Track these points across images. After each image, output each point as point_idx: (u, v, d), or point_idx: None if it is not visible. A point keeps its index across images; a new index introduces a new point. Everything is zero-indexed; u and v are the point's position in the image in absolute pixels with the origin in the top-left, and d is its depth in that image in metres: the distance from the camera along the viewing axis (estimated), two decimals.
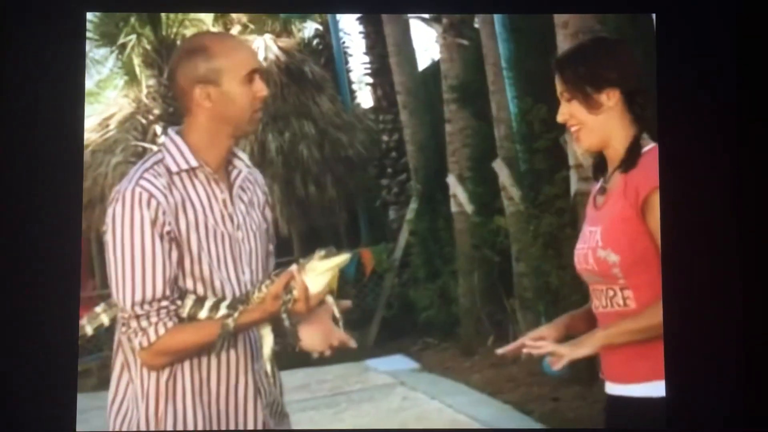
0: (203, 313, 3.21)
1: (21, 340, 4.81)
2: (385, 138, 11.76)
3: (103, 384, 9.85)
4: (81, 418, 7.59)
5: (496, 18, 8.38)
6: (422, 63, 11.47)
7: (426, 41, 11.25)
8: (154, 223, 3.11)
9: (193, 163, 3.24)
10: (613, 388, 3.29)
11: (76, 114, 4.96)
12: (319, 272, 3.19)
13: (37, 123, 4.92)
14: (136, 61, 11.52)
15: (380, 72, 11.76)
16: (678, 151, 4.90)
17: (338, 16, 11.53)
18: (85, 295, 11.84)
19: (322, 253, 3.20)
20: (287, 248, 10.24)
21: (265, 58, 11.37)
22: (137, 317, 3.13)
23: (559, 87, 3.24)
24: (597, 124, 3.16)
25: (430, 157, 10.48)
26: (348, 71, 12.48)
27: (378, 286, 10.57)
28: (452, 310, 9.12)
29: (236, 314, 3.18)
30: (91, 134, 11.76)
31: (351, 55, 12.57)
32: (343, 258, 3.20)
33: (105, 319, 3.35)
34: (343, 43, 12.36)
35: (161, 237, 3.12)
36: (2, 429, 4.75)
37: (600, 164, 3.29)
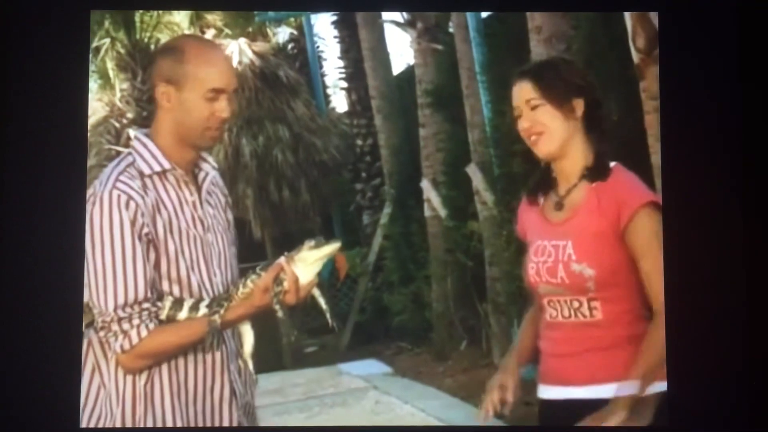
0: (183, 314, 3.23)
1: (24, 336, 4.80)
2: (359, 142, 11.76)
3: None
4: None
5: (470, 23, 8.41)
6: (397, 68, 11.49)
7: (401, 46, 11.27)
8: (133, 224, 3.12)
9: (166, 165, 3.28)
10: (577, 392, 3.35)
11: (80, 112, 4.96)
12: (309, 262, 3.22)
13: (41, 121, 4.92)
14: (110, 64, 11.49)
15: (355, 76, 11.76)
16: (681, 152, 4.93)
17: (313, 20, 11.53)
18: None
19: (312, 243, 3.25)
20: (261, 252, 10.23)
21: (240, 62, 11.35)
22: (119, 320, 3.14)
23: (526, 95, 3.36)
24: (561, 132, 3.30)
25: (404, 162, 10.49)
26: (323, 75, 12.47)
27: (351, 291, 10.57)
28: (425, 314, 9.12)
29: (222, 311, 3.20)
30: None
31: (326, 60, 12.57)
32: (333, 247, 3.25)
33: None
34: (318, 47, 12.35)
35: (140, 238, 3.14)
36: (6, 426, 4.74)
37: (546, 179, 3.42)
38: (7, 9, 4.97)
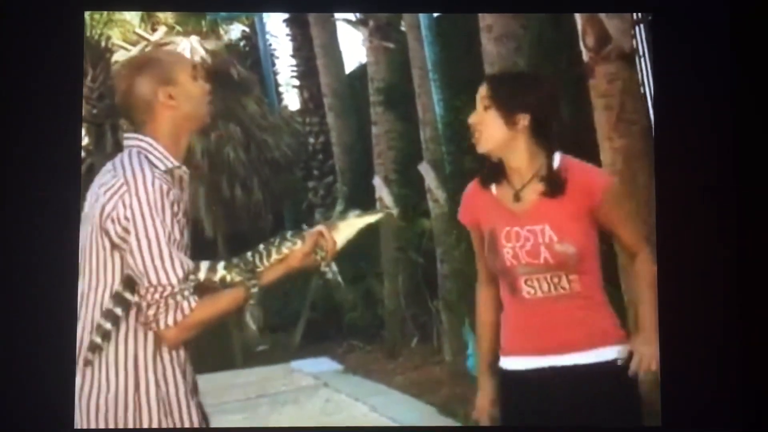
0: (201, 275, 3.47)
1: (19, 337, 4.79)
2: (311, 140, 11.76)
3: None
4: None
5: (422, 21, 8.44)
6: (349, 65, 11.49)
7: (353, 44, 11.27)
8: (172, 209, 3.39)
9: (175, 162, 3.56)
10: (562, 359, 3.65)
11: (74, 113, 4.95)
12: (355, 228, 3.61)
13: (34, 122, 4.90)
14: None
15: (307, 74, 11.76)
16: (674, 152, 4.97)
17: (265, 18, 11.52)
18: None
19: (357, 212, 3.66)
20: (212, 250, 10.20)
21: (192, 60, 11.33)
22: (175, 294, 3.34)
23: (482, 95, 3.74)
24: (498, 136, 3.68)
25: (356, 160, 10.50)
26: (275, 73, 12.45)
27: (303, 289, 10.57)
28: (377, 312, 9.14)
29: (255, 277, 3.49)
30: None
31: (278, 58, 12.54)
32: (377, 216, 3.73)
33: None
34: (270, 45, 12.32)
35: (179, 222, 3.42)
36: (1, 427, 4.72)
37: (499, 171, 3.78)
38: (0, 10, 4.96)
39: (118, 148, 11.46)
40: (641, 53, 5.53)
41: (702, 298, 4.92)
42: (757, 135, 5.01)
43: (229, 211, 11.02)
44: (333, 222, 3.61)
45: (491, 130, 3.70)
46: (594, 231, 3.73)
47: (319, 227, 3.58)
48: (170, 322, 3.36)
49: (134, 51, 11.74)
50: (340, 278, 3.71)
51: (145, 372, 3.44)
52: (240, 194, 11.08)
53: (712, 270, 4.94)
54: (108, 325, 3.38)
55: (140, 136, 3.54)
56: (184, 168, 3.60)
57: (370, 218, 3.68)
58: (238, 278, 3.49)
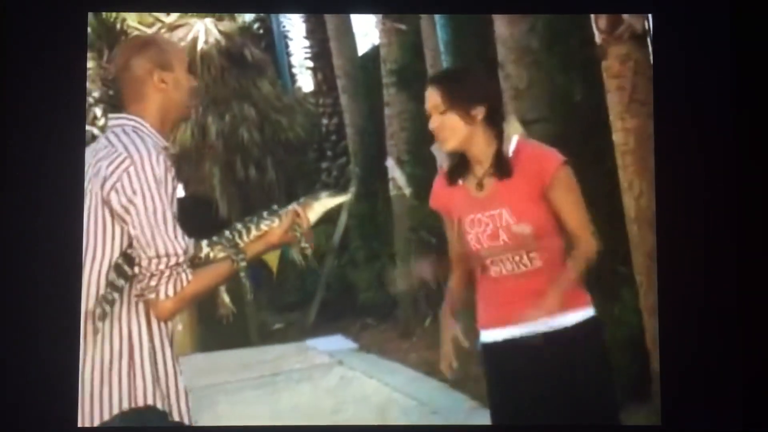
0: (190, 251, 3.48)
1: (22, 335, 4.83)
2: (324, 121, 11.82)
3: None
4: None
5: None
6: (362, 47, 11.54)
7: (366, 26, 11.31)
8: (173, 186, 3.43)
9: (166, 143, 3.57)
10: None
11: (78, 113, 5.00)
12: (326, 207, 3.75)
13: (38, 122, 4.94)
14: None
15: (320, 56, 11.82)
16: (674, 151, 5.01)
17: None
18: None
19: (328, 192, 3.77)
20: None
21: (206, 42, 11.38)
22: (177, 265, 3.39)
23: (434, 102, 3.88)
24: (461, 133, 3.83)
25: (369, 141, 10.55)
26: (288, 55, 12.51)
27: (318, 268, 10.65)
28: (390, 292, 9.19)
29: (240, 252, 3.58)
30: None
31: (291, 39, 12.61)
32: (346, 197, 3.86)
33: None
34: (284, 27, 12.39)
35: (175, 200, 3.44)
36: (4, 426, 4.78)
37: (463, 164, 3.91)
38: (4, 10, 5.00)
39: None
40: (653, 34, 5.56)
41: (701, 298, 4.97)
42: (756, 135, 5.06)
43: (243, 192, 11.09)
44: (306, 201, 3.74)
45: (452, 130, 3.84)
46: (547, 208, 3.85)
47: (294, 206, 3.69)
48: (170, 292, 3.41)
49: (149, 33, 11.80)
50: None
51: (140, 342, 3.51)
52: (254, 174, 11.15)
53: (712, 269, 4.98)
54: (113, 295, 3.46)
55: (130, 116, 3.54)
56: (171, 149, 3.65)
57: (341, 198, 3.83)
58: (221, 254, 3.60)
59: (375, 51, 10.52)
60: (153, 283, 3.40)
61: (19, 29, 4.98)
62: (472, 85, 3.90)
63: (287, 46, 12.49)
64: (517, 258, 3.83)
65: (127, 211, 3.36)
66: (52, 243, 4.84)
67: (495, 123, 3.88)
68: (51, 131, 4.94)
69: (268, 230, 3.68)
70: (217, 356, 8.19)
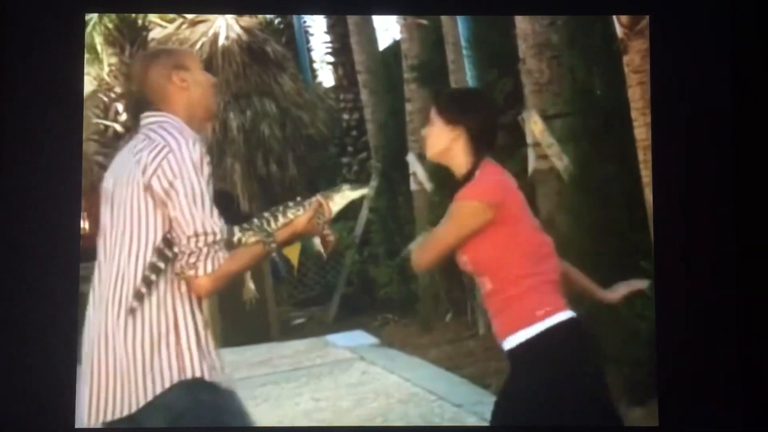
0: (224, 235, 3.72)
1: (20, 337, 4.84)
2: (345, 117, 11.82)
3: None
4: None
5: None
6: (383, 42, 11.54)
7: (386, 21, 11.31)
8: (208, 172, 3.64)
9: (197, 136, 3.76)
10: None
11: (75, 113, 5.01)
12: (348, 199, 4.02)
13: (36, 122, 4.95)
14: (98, 39, 11.51)
15: (341, 51, 11.82)
16: (671, 154, 5.01)
17: None
18: None
19: (349, 186, 4.06)
20: None
21: (227, 37, 11.40)
22: (215, 243, 3.61)
23: (431, 112, 4.05)
24: (441, 144, 3.97)
25: (390, 136, 10.54)
26: (309, 50, 12.53)
27: (339, 263, 10.66)
28: (411, 287, 9.17)
29: (271, 237, 3.80)
30: None
31: (312, 35, 12.63)
32: (366, 189, 3.97)
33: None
34: (305, 22, 12.41)
35: (210, 181, 3.66)
36: (2, 426, 4.79)
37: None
38: (2, 11, 5.01)
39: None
40: (651, 35, 5.54)
41: (699, 298, 4.96)
42: (756, 134, 5.05)
43: (264, 187, 11.11)
44: (328, 193, 3.98)
45: (434, 139, 3.99)
46: (480, 234, 3.86)
47: (318, 197, 3.93)
48: (209, 269, 3.58)
49: (170, 28, 11.83)
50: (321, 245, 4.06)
51: (184, 319, 3.62)
52: (275, 170, 11.18)
53: (710, 269, 4.98)
54: (153, 276, 3.58)
55: (162, 113, 3.73)
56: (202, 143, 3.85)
57: (362, 191, 4.14)
58: (252, 239, 3.80)
59: (396, 46, 10.52)
60: (192, 260, 3.58)
61: (17, 30, 4.99)
62: (460, 106, 4.02)
63: (308, 42, 12.52)
64: (479, 281, 3.91)
65: (167, 193, 3.56)
66: (52, 243, 4.86)
67: (474, 146, 3.94)
68: (49, 131, 4.96)
69: (293, 218, 3.88)
70: (238, 351, 8.16)
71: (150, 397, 3.55)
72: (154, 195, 3.57)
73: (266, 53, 11.62)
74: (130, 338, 3.57)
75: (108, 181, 3.70)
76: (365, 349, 8.98)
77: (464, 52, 8.35)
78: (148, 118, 3.72)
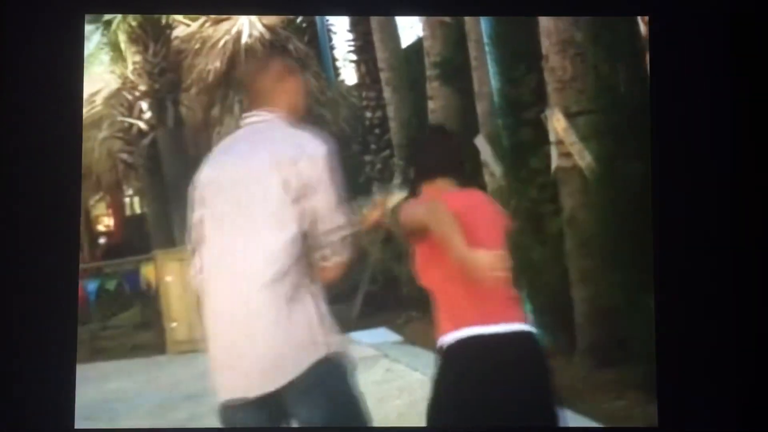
0: None
1: (19, 337, 4.87)
2: (368, 114, 11.84)
3: (92, 355, 9.84)
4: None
5: None
6: (405, 40, 11.55)
7: (409, 19, 11.31)
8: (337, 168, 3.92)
9: None
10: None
11: (74, 114, 5.04)
12: (399, 199, 4.25)
13: (36, 122, 4.98)
14: (122, 37, 11.57)
15: (364, 49, 11.82)
16: (671, 155, 5.02)
17: None
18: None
19: (398, 190, 4.66)
20: None
21: (250, 36, 11.44)
22: (344, 237, 3.85)
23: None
24: None
25: (413, 134, 10.54)
26: (332, 48, 12.56)
27: (363, 261, 10.67)
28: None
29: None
30: None
31: (335, 33, 12.66)
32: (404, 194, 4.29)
33: None
34: (327, 20, 12.43)
35: None
36: (2, 427, 4.82)
37: None
38: (2, 12, 5.03)
39: (180, 122, 11.60)
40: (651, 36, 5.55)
41: (699, 298, 4.96)
42: (755, 134, 5.05)
43: None
44: (384, 194, 4.32)
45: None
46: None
47: (378, 197, 4.31)
48: (341, 259, 3.84)
49: (194, 27, 11.89)
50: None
51: (315, 301, 3.83)
52: None
53: (710, 270, 4.98)
54: (289, 263, 3.76)
55: (269, 111, 3.95)
56: None
57: (403, 194, 4.28)
58: None
59: (418, 44, 10.52)
60: (327, 251, 3.82)
61: (17, 30, 5.02)
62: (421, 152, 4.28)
63: (331, 40, 12.55)
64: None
65: (306, 188, 3.78)
66: (51, 244, 4.89)
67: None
68: (48, 131, 4.99)
69: (365, 213, 4.25)
70: None
71: (295, 374, 3.70)
72: (292, 189, 3.76)
73: (289, 51, 11.65)
74: (271, 318, 3.71)
75: (221, 171, 3.88)
76: (389, 346, 8.98)
77: (487, 49, 8.32)
78: (257, 117, 3.94)
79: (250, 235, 3.76)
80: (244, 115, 4.00)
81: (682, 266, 4.93)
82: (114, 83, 11.90)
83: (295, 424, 3.77)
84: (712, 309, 4.92)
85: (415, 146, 4.57)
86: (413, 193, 4.15)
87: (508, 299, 3.91)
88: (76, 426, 4.84)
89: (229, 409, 3.76)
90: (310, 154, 3.80)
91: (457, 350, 3.94)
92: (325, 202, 3.80)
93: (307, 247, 3.79)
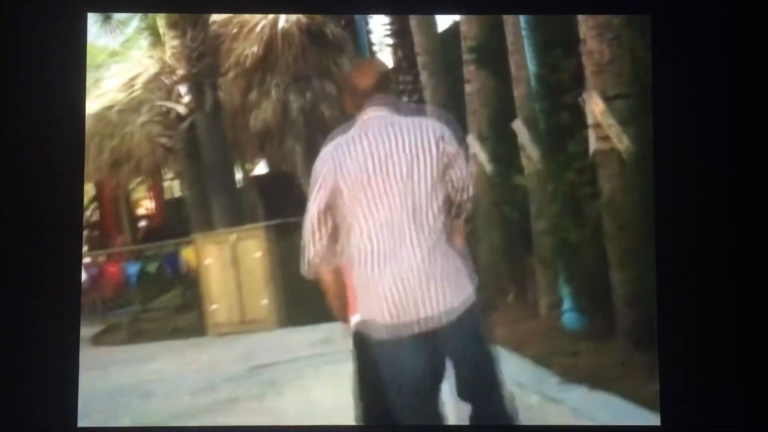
0: None
1: (21, 337, 4.92)
2: (405, 99, 11.82)
3: (133, 337, 9.91)
4: (111, 370, 7.70)
5: None
6: (442, 24, 11.53)
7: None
8: None
9: None
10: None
11: (77, 113, 5.08)
12: None
13: (40, 120, 5.02)
14: (160, 22, 11.61)
15: (400, 33, 11.81)
16: (673, 153, 5.03)
17: None
18: (115, 250, 12.06)
19: None
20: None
21: (287, 20, 11.45)
22: (470, 198, 4.67)
23: None
24: None
25: (449, 118, 10.54)
26: (368, 32, 12.54)
27: None
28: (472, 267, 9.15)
29: None
30: (117, 94, 11.91)
31: (371, 17, 12.64)
32: None
33: None
34: None
35: None
36: (5, 426, 4.88)
37: None
38: (4, 11, 5.07)
39: (218, 106, 11.63)
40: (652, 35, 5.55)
41: (701, 299, 4.98)
42: (755, 134, 5.05)
43: None
44: None
45: None
46: None
47: None
48: (465, 217, 4.67)
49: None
50: None
51: (458, 252, 4.52)
52: None
53: (711, 270, 4.99)
54: (443, 218, 4.43)
55: (385, 103, 4.60)
56: None
57: None
58: None
59: (455, 28, 10.49)
60: (460, 211, 4.60)
61: (20, 29, 5.06)
62: None
63: (367, 24, 12.53)
64: None
65: (452, 159, 4.50)
66: (54, 243, 4.94)
67: None
68: (51, 128, 5.03)
69: None
70: (301, 331, 8.26)
71: (458, 313, 4.42)
72: (442, 163, 4.46)
73: (325, 35, 11.67)
74: (436, 271, 4.41)
75: (368, 159, 4.46)
76: None
77: (523, 33, 8.32)
78: (377, 111, 4.56)
79: (411, 209, 4.42)
80: (365, 110, 4.55)
81: (682, 265, 4.97)
82: (153, 68, 11.94)
83: (447, 364, 4.49)
84: (713, 308, 4.95)
85: None
86: None
87: None
88: (79, 425, 4.91)
89: (391, 343, 4.40)
90: (447, 134, 4.54)
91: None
92: (461, 172, 4.54)
93: (446, 210, 4.48)
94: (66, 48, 5.11)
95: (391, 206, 4.43)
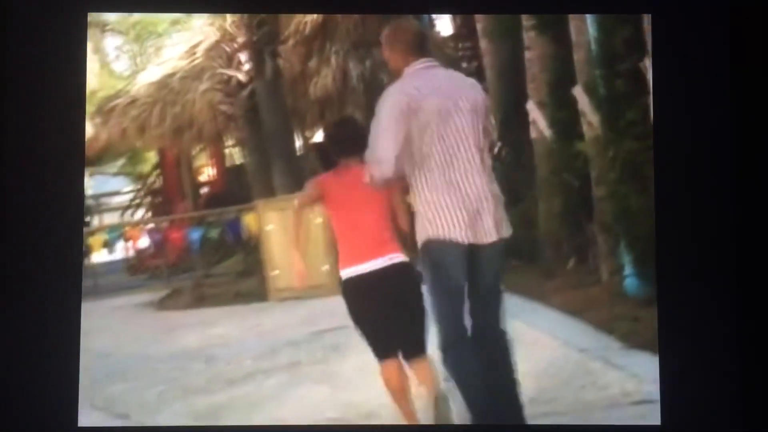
0: None
1: (22, 336, 4.97)
2: (464, 65, 11.82)
3: (196, 302, 10.03)
4: (177, 333, 7.78)
5: None
6: None
7: None
8: None
9: None
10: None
11: (78, 113, 5.12)
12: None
13: (40, 121, 5.06)
14: None
15: None
16: (672, 152, 5.02)
17: None
18: (178, 216, 12.18)
19: None
20: None
21: None
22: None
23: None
24: None
25: (509, 84, 10.53)
26: None
27: None
28: (533, 233, 9.17)
29: None
30: (178, 62, 12.00)
31: None
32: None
33: None
34: None
35: None
36: (5, 425, 4.94)
37: None
38: (5, 10, 5.10)
39: (278, 73, 11.68)
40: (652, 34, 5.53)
41: (702, 299, 4.96)
42: (756, 133, 5.02)
43: None
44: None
45: None
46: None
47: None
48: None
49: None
50: None
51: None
52: None
53: (712, 271, 4.97)
54: (486, 154, 5.06)
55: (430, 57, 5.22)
56: None
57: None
58: None
59: None
60: (491, 157, 5.11)
61: (20, 28, 5.09)
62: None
63: None
64: None
65: (487, 111, 5.08)
66: (52, 249, 4.98)
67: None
68: (52, 127, 5.07)
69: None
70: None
71: (508, 233, 5.11)
72: (485, 110, 5.05)
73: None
74: (493, 194, 5.00)
75: (437, 98, 4.93)
76: None
77: None
78: (429, 62, 5.14)
79: (467, 146, 4.93)
80: (421, 60, 5.10)
81: (683, 265, 4.96)
82: (213, 36, 12.01)
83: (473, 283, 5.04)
84: (713, 308, 4.95)
85: (330, 133, 5.70)
86: (327, 168, 5.38)
87: (380, 238, 5.26)
88: (79, 424, 4.97)
89: (448, 248, 4.91)
90: (482, 86, 5.20)
91: (345, 288, 5.33)
92: (490, 120, 5.08)
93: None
94: (66, 48, 5.15)
95: (460, 135, 4.94)
